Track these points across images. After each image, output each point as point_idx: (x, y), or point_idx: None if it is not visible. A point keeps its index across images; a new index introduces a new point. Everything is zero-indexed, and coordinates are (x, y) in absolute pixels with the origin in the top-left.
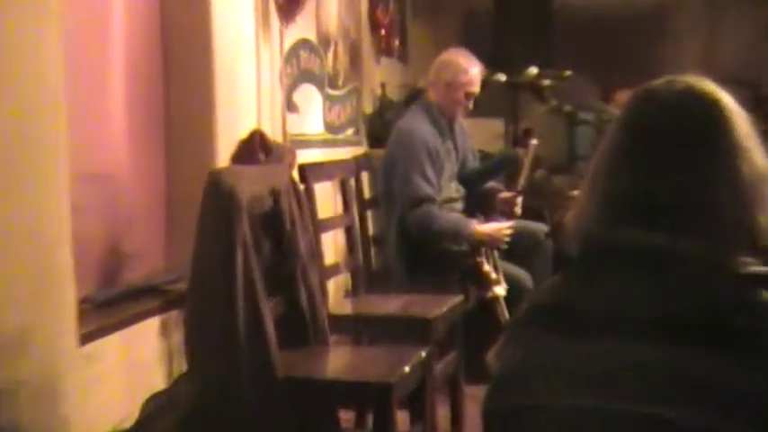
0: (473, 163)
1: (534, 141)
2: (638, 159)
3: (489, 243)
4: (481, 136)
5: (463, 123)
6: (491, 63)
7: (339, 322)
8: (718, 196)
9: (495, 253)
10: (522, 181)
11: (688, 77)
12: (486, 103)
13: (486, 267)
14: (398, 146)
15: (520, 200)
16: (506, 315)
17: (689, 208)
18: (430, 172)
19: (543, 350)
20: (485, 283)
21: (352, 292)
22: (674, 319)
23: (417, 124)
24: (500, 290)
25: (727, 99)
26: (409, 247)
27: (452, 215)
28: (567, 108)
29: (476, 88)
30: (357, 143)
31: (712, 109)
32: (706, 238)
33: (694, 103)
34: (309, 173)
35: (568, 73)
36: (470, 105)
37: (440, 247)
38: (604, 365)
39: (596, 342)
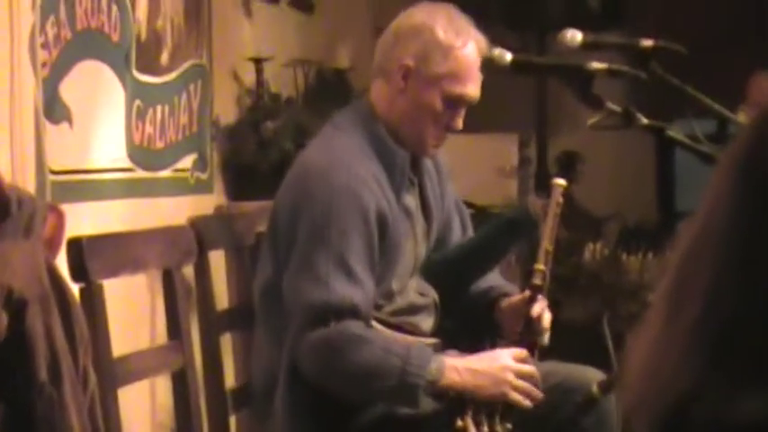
0: (460, 239)
1: (560, 181)
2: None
3: (480, 393)
4: (475, 170)
5: (441, 160)
6: (491, 21)
7: None
8: None
9: (500, 425)
10: (539, 265)
11: None
12: (484, 106)
13: None
14: (302, 204)
15: (541, 307)
16: None
17: None
18: (359, 262)
19: None
20: None
21: None
22: None
23: (347, 160)
24: None
25: None
26: (313, 411)
27: (394, 338)
28: (641, 119)
29: (470, 89)
30: (201, 188)
31: None
32: None
33: None
34: (94, 257)
35: (649, 43)
36: (458, 124)
37: (374, 409)
38: None
39: None
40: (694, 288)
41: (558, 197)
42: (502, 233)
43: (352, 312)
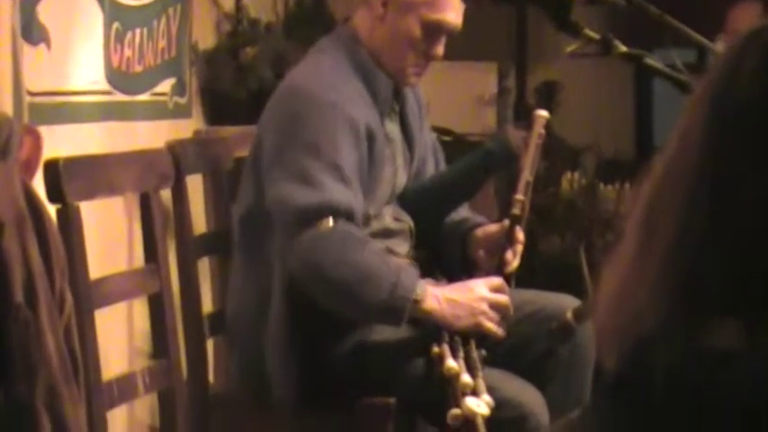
0: (434, 171)
1: (542, 113)
2: (735, 194)
3: (456, 323)
4: (454, 98)
5: (420, 92)
6: None
7: None
8: None
9: (475, 351)
10: (519, 196)
11: None
12: (463, 34)
13: (452, 363)
14: (290, 124)
15: (519, 236)
16: None
17: None
18: (352, 172)
19: None
20: (448, 393)
21: None
22: None
23: (332, 80)
24: (476, 403)
25: None
26: (293, 337)
27: (387, 254)
28: (619, 46)
29: (450, 15)
30: (179, 113)
31: None
32: None
33: None
34: (71, 179)
35: None
36: (439, 52)
37: (353, 336)
38: None
39: None
40: (665, 220)
41: (540, 128)
42: (480, 164)
43: (348, 214)
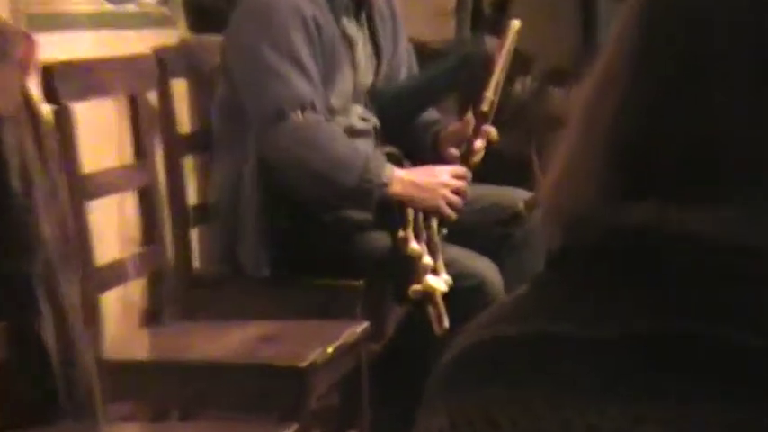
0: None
1: (516, 22)
2: (665, 86)
3: (420, 205)
4: (415, 10)
5: (396, 9)
6: None
7: (125, 377)
8: None
9: (436, 229)
10: (489, 94)
11: None
12: None
13: (415, 245)
14: (251, 21)
15: (490, 131)
16: (445, 325)
17: (755, 172)
18: (307, 58)
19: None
20: (411, 271)
21: (152, 315)
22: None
23: None
24: (436, 281)
25: None
26: (278, 214)
27: (355, 142)
28: None
29: None
30: (165, 22)
31: None
32: None
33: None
34: (64, 81)
35: None
36: None
37: (334, 213)
38: None
39: (590, 409)
40: (603, 113)
41: (512, 35)
42: (458, 65)
43: (314, 106)
